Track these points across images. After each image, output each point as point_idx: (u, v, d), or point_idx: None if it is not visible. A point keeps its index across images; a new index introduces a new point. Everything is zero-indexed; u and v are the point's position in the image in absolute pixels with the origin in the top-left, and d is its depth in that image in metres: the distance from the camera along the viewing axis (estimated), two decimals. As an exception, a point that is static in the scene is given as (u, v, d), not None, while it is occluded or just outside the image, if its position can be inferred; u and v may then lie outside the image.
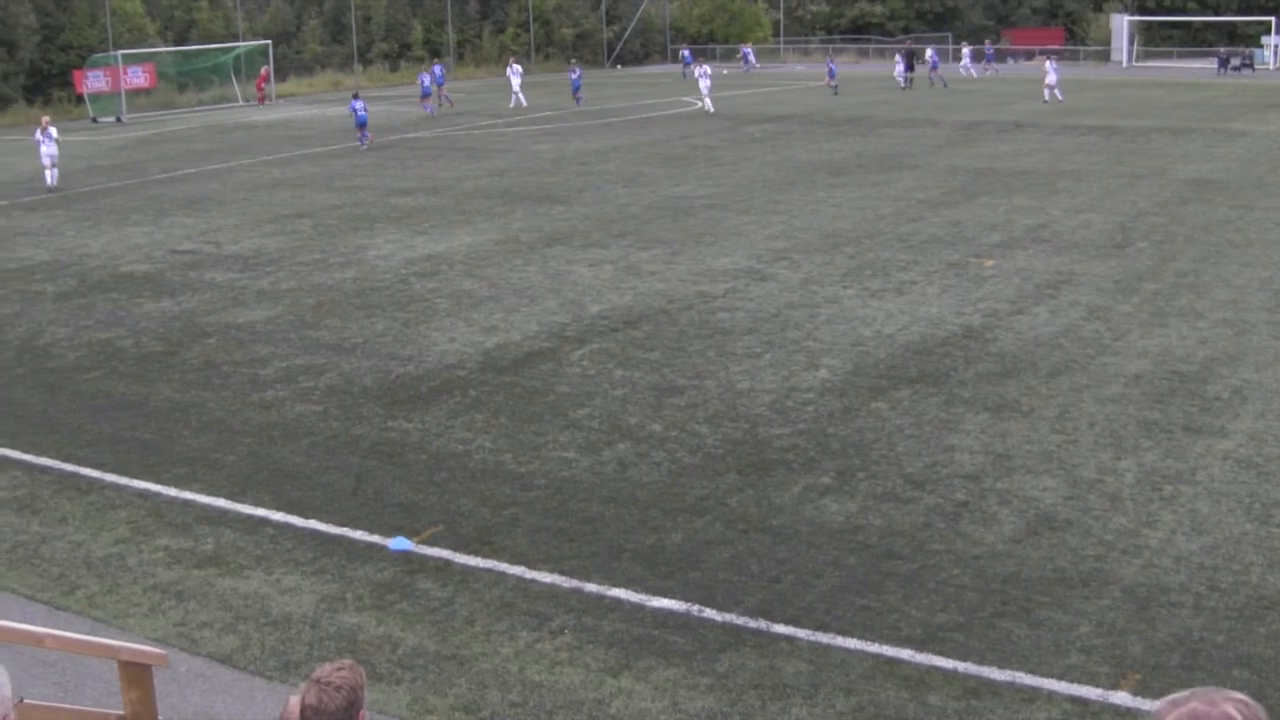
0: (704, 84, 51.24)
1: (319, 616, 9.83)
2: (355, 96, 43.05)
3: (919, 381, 15.21)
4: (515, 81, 55.11)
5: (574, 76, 55.55)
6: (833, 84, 59.10)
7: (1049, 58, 56.04)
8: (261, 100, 60.63)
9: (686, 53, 76.79)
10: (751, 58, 79.63)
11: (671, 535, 11.13)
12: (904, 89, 60.30)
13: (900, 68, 63.60)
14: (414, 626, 9.62)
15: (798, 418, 14.04)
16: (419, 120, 49.93)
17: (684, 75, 70.62)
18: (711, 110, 50.24)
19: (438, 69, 56.14)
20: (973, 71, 70.31)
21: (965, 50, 73.13)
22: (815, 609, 9.69)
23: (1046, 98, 51.49)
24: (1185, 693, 2.67)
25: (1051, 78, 52.15)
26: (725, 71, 73.80)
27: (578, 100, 54.55)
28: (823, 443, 13.24)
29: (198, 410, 15.03)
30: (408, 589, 10.25)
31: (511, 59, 60.06)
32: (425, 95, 53.27)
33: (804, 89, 62.00)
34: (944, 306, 18.66)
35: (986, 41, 79.17)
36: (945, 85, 61.36)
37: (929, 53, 66.96)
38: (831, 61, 63.50)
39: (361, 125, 41.13)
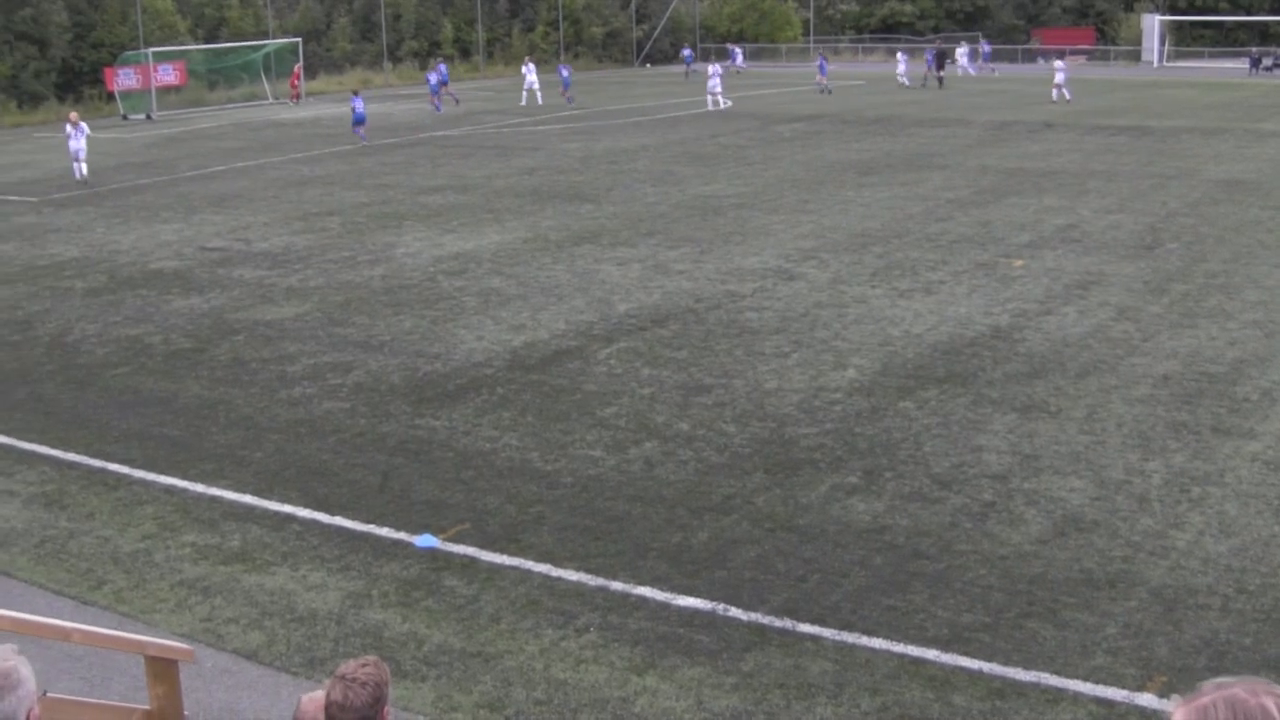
0: (713, 83, 51.88)
1: (345, 613, 9.86)
2: (355, 94, 44.23)
3: (947, 381, 15.17)
4: (528, 79, 56.06)
5: (564, 74, 56.92)
6: (824, 83, 59.28)
7: (1058, 58, 56.39)
8: (296, 98, 60.78)
9: (687, 52, 76.55)
10: (739, 58, 78.21)
11: (698, 534, 11.12)
12: (939, 88, 60.21)
13: (901, 67, 63.73)
14: (439, 624, 9.63)
15: (825, 417, 14.01)
16: (448, 118, 50.03)
17: (686, 76, 71.00)
18: (723, 106, 50.99)
19: (442, 68, 56.39)
20: (970, 70, 70.10)
21: (961, 50, 72.91)
22: (841, 608, 9.68)
23: (1054, 97, 51.55)
24: (1232, 678, 2.67)
25: (1059, 77, 52.28)
26: (692, 69, 74.12)
27: (568, 99, 55.40)
28: (850, 442, 13.21)
29: (225, 407, 15.09)
30: (433, 586, 10.26)
31: (527, 57, 60.64)
32: (434, 94, 53.88)
33: (834, 88, 61.91)
34: (972, 306, 18.60)
35: (983, 40, 78.77)
36: (941, 84, 61.65)
37: (926, 53, 67.23)
38: (823, 58, 63.19)
39: (359, 122, 42.06)
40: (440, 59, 61.97)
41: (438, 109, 52.87)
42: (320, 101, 60.74)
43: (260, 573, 10.63)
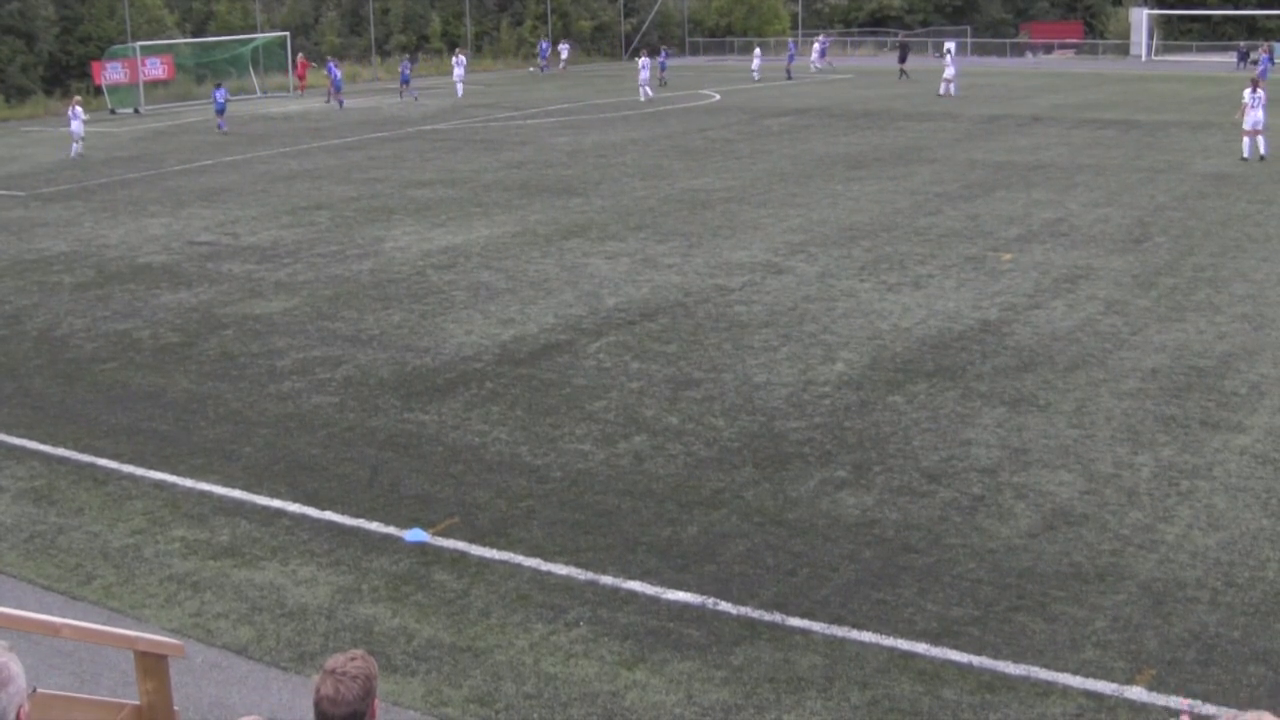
0: (644, 74, 53.85)
1: (334, 608, 9.85)
2: (218, 86, 47.22)
3: (936, 375, 15.19)
4: (457, 72, 57.41)
5: (404, 70, 58.20)
6: (661, 76, 60.32)
7: (949, 52, 57.52)
8: (302, 89, 60.62)
9: (544, 45, 76.20)
10: (564, 53, 76.52)
11: (687, 528, 11.13)
12: (903, 79, 60.75)
13: (755, 62, 65.02)
14: (429, 618, 9.63)
15: (814, 411, 14.03)
16: (435, 112, 49.96)
17: (540, 70, 71.63)
18: (644, 97, 53.03)
19: (331, 67, 56.34)
20: (816, 64, 70.15)
21: (815, 44, 73.03)
22: (830, 602, 9.69)
23: (941, 91, 52.87)
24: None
25: (949, 72, 53.71)
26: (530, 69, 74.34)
27: (411, 93, 56.70)
28: (839, 436, 13.22)
29: (214, 401, 15.06)
30: (423, 581, 10.26)
31: (458, 51, 62.23)
32: (337, 89, 54.70)
33: (819, 83, 61.90)
34: (961, 300, 18.62)
35: (823, 36, 78.59)
36: (790, 78, 63.52)
37: (789, 45, 68.14)
38: (650, 57, 63.31)
39: (219, 112, 45.38)
40: (330, 58, 61.27)
41: (340, 104, 53.73)
42: (309, 95, 60.53)
43: (250, 568, 10.62)
